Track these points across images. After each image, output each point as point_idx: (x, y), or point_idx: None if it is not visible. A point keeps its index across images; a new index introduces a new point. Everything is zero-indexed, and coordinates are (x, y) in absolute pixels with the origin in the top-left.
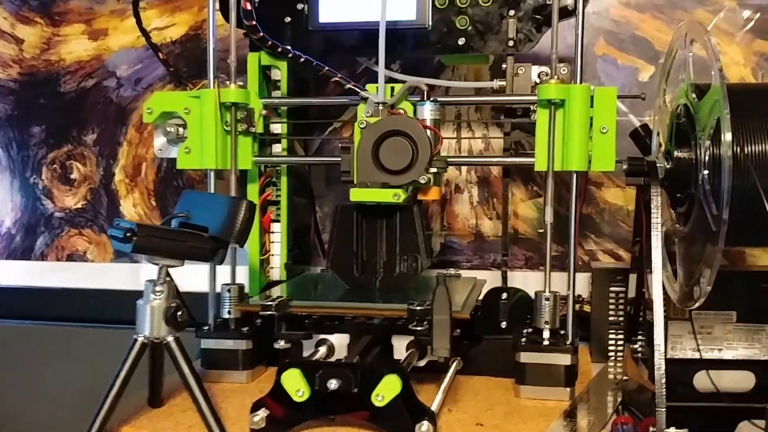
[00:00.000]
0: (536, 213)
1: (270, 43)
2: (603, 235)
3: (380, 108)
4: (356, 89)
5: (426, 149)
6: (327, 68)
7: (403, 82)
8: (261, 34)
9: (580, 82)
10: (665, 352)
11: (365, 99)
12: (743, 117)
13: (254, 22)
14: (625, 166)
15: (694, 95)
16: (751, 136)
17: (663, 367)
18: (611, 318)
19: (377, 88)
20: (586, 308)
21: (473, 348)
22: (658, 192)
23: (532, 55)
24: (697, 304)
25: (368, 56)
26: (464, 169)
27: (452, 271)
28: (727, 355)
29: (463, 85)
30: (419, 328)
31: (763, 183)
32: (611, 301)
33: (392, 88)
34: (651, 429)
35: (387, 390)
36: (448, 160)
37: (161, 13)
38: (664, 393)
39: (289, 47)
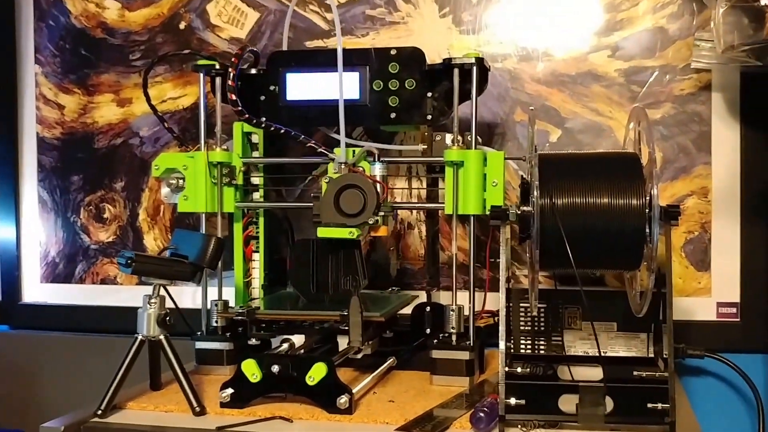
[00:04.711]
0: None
1: (255, 121)
2: (523, 263)
3: (342, 166)
4: (326, 152)
5: (373, 198)
6: (303, 136)
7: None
8: (246, 116)
9: (475, 148)
10: (563, 351)
11: (332, 159)
12: (554, 178)
13: (240, 108)
14: (488, 212)
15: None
16: (559, 192)
17: (504, 359)
18: (522, 327)
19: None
20: None
21: (405, 349)
22: (506, 231)
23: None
24: (534, 312)
25: (324, 125)
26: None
27: (393, 288)
28: (610, 353)
29: (394, 148)
30: (347, 328)
31: (568, 224)
32: (521, 314)
33: (353, 151)
34: (497, 399)
35: (316, 373)
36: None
37: (175, 86)
38: (505, 373)
39: (264, 120)
